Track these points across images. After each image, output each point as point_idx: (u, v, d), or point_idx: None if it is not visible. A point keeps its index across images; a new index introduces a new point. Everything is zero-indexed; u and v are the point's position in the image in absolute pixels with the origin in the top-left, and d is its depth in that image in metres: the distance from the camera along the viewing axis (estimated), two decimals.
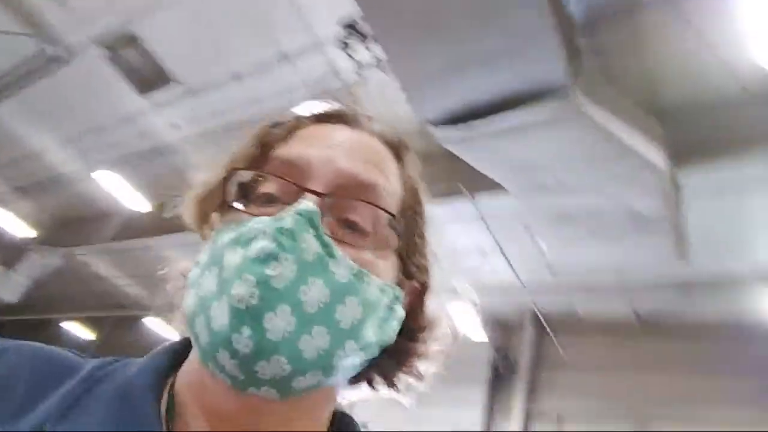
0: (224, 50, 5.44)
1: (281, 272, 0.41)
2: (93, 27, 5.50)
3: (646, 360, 6.86)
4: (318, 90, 5.20)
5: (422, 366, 0.55)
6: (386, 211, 0.49)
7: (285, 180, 0.48)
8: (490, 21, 3.14)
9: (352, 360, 0.45)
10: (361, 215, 0.48)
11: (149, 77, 5.93)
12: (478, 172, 4.29)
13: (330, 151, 0.50)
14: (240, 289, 0.40)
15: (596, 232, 4.59)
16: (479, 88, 3.54)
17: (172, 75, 5.92)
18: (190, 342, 0.47)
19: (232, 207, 0.49)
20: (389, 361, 0.53)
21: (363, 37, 4.45)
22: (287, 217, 0.43)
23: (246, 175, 0.50)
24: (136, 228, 8.26)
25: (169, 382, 0.48)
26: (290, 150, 0.50)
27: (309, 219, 0.44)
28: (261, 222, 0.44)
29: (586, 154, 3.89)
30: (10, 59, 5.91)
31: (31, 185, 8.68)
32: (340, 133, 0.53)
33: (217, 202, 0.52)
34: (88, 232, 8.97)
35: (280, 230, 0.43)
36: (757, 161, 4.15)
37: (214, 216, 0.52)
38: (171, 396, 0.46)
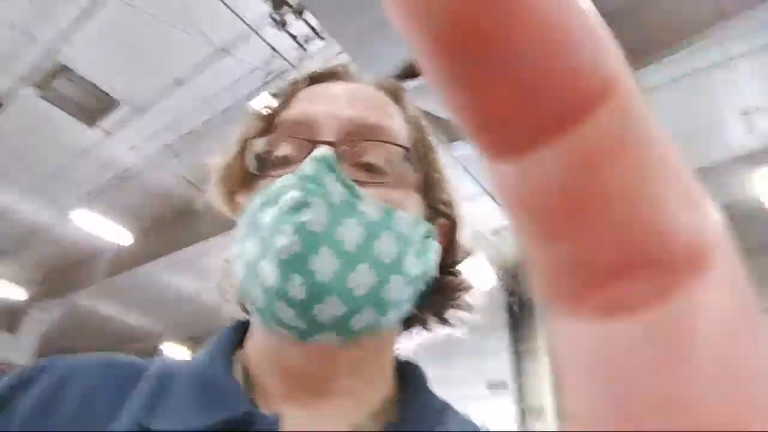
0: (159, 59, 5.28)
1: (314, 216, 0.42)
2: (17, 67, 5.33)
3: None
4: (264, 74, 5.07)
5: (470, 296, 0.56)
6: (398, 145, 0.50)
7: (296, 138, 0.49)
8: None
9: (400, 294, 0.46)
10: (375, 156, 0.49)
11: (92, 106, 5.77)
12: (450, 120, 4.23)
13: (332, 105, 0.51)
14: (281, 241, 0.42)
15: None
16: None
17: (114, 97, 5.76)
18: (242, 324, 0.53)
19: (255, 177, 0.51)
20: (436, 298, 0.54)
21: (293, 8, 4.32)
22: (306, 166, 0.45)
23: (259, 144, 0.51)
24: (127, 259, 8.19)
25: (237, 359, 0.50)
26: (294, 111, 0.52)
27: (327, 163, 0.45)
28: (284, 179, 0.46)
29: None
30: None
31: (10, 244, 8.56)
32: (337, 88, 0.54)
33: (239, 179, 0.53)
34: (81, 276, 8.91)
35: (303, 177, 0.44)
36: (708, 47, 4.10)
37: (240, 195, 0.54)
38: (243, 370, 0.49)
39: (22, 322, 9.37)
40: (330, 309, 0.42)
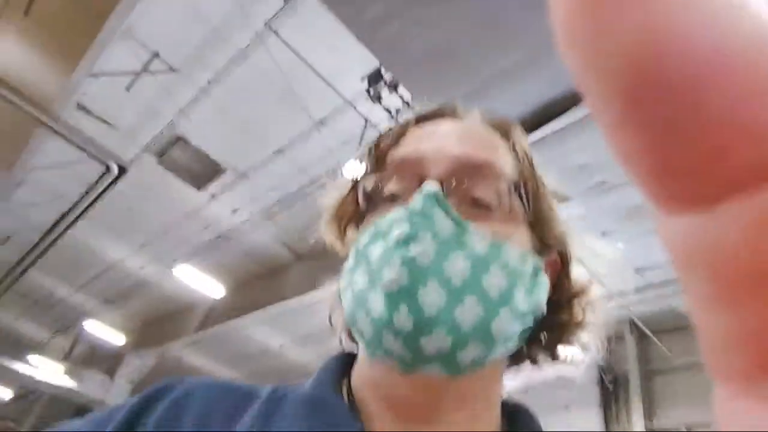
0: (262, 131, 5.74)
1: (423, 249, 0.43)
2: (143, 137, 5.97)
3: None
4: (357, 145, 5.35)
5: (583, 336, 0.55)
6: (505, 180, 0.50)
7: (404, 174, 0.50)
8: (505, 39, 3.16)
9: (508, 329, 0.46)
10: (483, 191, 0.49)
11: (201, 172, 6.32)
12: None
13: (440, 142, 0.52)
14: (390, 274, 0.43)
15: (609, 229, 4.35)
16: (511, 104, 3.53)
17: (221, 165, 6.28)
18: (347, 354, 0.54)
19: (365, 214, 0.52)
20: (548, 336, 0.53)
21: (388, 84, 4.58)
22: (415, 201, 0.46)
23: (369, 182, 0.52)
24: (217, 314, 8.58)
25: (343, 386, 0.51)
26: (403, 149, 0.53)
27: (435, 198, 0.46)
28: (395, 213, 0.47)
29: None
30: (74, 184, 6.46)
31: (117, 294, 9.26)
32: (445, 126, 0.55)
33: (349, 216, 0.56)
34: (175, 327, 9.38)
35: (412, 212, 0.45)
36: None
37: (350, 230, 0.56)
38: (350, 397, 0.49)
39: (120, 366, 9.90)
40: (436, 341, 0.42)
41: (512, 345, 0.49)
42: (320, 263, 7.17)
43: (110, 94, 5.58)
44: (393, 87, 4.66)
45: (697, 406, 6.52)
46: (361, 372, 0.51)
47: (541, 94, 3.41)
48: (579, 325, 0.54)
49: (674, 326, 6.94)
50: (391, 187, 0.51)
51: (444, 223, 0.45)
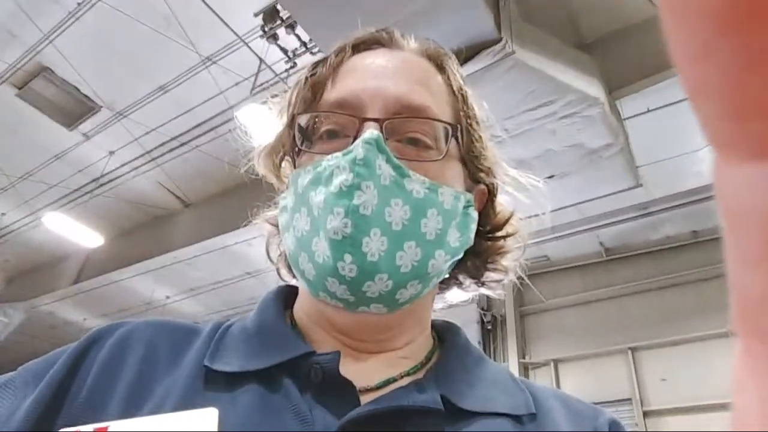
0: (142, 64, 5.23)
1: (365, 199, 0.45)
2: None
3: (621, 288, 7.12)
4: (250, 86, 5.06)
5: (506, 260, 0.59)
6: (443, 122, 0.51)
7: (344, 114, 0.50)
8: None
9: (442, 266, 0.50)
10: (421, 131, 0.50)
11: (72, 108, 5.66)
12: None
13: (376, 81, 0.51)
14: (334, 223, 0.44)
15: (552, 173, 4.66)
16: None
17: (95, 101, 5.66)
18: (286, 287, 0.57)
19: (301, 150, 0.53)
20: (474, 261, 0.57)
21: (284, 22, 4.34)
22: (357, 148, 0.46)
23: (305, 118, 0.53)
24: (95, 265, 7.98)
25: (286, 316, 0.54)
26: (340, 87, 0.52)
27: (377, 145, 0.46)
28: (335, 158, 0.47)
29: (526, 99, 3.92)
30: None
31: None
32: (381, 59, 0.54)
33: (285, 150, 0.56)
34: (47, 280, 8.63)
35: (354, 161, 0.46)
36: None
37: (286, 164, 0.57)
38: (293, 325, 0.53)
39: None
40: (378, 286, 0.46)
41: (443, 276, 0.53)
42: (211, 211, 6.86)
43: None
44: (290, 27, 4.42)
45: (562, 344, 7.29)
46: (303, 304, 0.54)
47: (443, 43, 3.40)
48: (502, 252, 0.59)
49: (545, 271, 7.62)
50: (328, 124, 0.51)
51: (385, 170, 0.46)
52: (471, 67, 3.47)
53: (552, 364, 7.33)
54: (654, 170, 5.26)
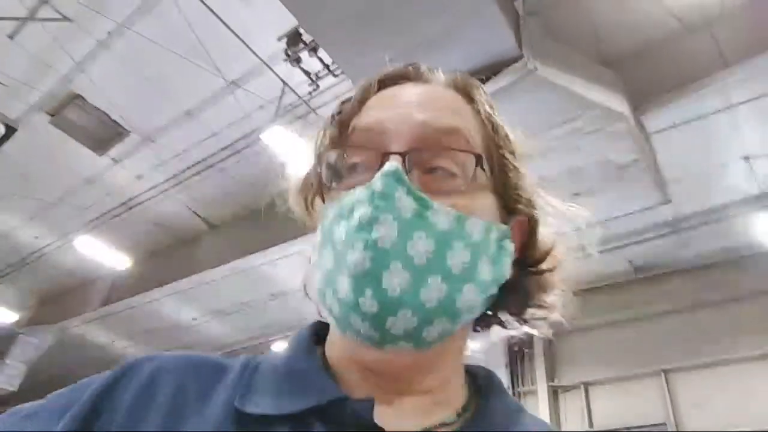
0: (169, 90, 5.37)
1: (384, 232, 0.44)
2: (32, 94, 5.38)
3: (651, 306, 6.91)
4: (275, 109, 5.14)
5: (549, 297, 0.56)
6: (469, 151, 0.49)
7: (365, 148, 0.50)
8: (428, 5, 3.13)
9: (473, 302, 0.47)
10: (447, 161, 0.49)
11: (101, 134, 5.82)
12: None
13: (402, 109, 0.51)
14: (353, 257, 0.43)
15: (578, 190, 4.60)
16: None
17: (124, 126, 5.82)
18: (320, 323, 0.55)
19: (330, 186, 0.52)
20: (515, 298, 0.54)
21: (307, 46, 4.42)
22: (376, 181, 0.45)
23: (332, 155, 0.52)
24: (123, 287, 8.11)
25: (318, 354, 0.52)
26: (365, 118, 0.52)
27: (396, 177, 0.45)
28: (354, 192, 0.47)
29: (550, 115, 3.89)
30: None
31: (7, 267, 8.48)
32: (408, 91, 0.54)
33: (315, 189, 0.56)
34: (76, 302, 8.79)
35: (373, 194, 0.45)
36: (710, 93, 4.21)
37: (318, 202, 0.56)
38: (325, 364, 0.51)
39: (12, 347, 9.17)
40: (402, 322, 0.44)
41: (477, 312, 0.50)
42: (236, 233, 6.93)
43: None
44: (313, 50, 4.50)
45: (593, 366, 7.09)
46: (334, 341, 0.52)
47: (465, 63, 3.42)
48: (544, 287, 0.56)
49: (576, 293, 7.42)
50: (354, 158, 0.51)
51: (406, 202, 0.45)
52: (493, 85, 3.47)
53: (582, 387, 7.12)
54: (682, 186, 5.14)
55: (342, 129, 0.54)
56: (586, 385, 7.09)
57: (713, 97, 4.30)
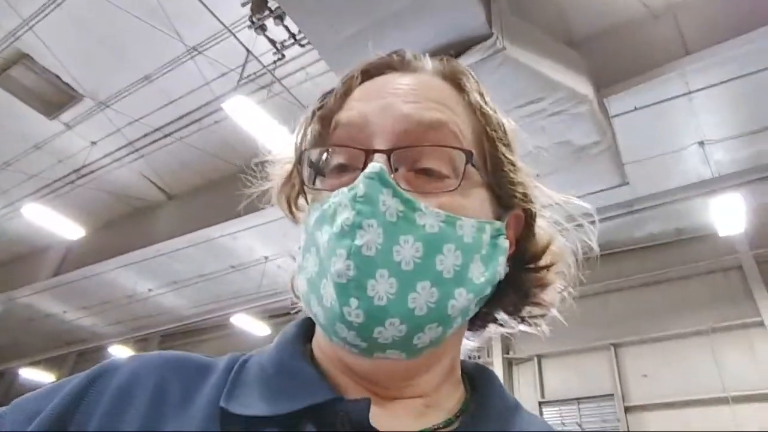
0: (126, 53, 5.11)
1: (369, 239, 0.41)
2: None
3: (605, 284, 7.18)
4: (237, 77, 4.98)
5: (547, 293, 0.54)
6: (457, 148, 0.46)
7: (350, 141, 0.47)
8: None
9: (465, 305, 0.45)
10: (435, 158, 0.46)
11: (53, 97, 5.52)
12: None
13: (385, 101, 0.48)
14: (337, 265, 0.41)
15: (539, 171, 4.66)
16: (400, 47, 3.47)
17: (77, 90, 5.53)
18: (308, 320, 0.52)
19: (313, 185, 0.50)
20: (512, 296, 0.52)
21: (273, 13, 4.27)
22: (359, 184, 0.43)
23: (314, 154, 0.50)
24: (77, 257, 7.84)
25: (306, 352, 0.50)
26: (347, 113, 0.49)
27: (380, 179, 0.43)
28: (337, 195, 0.44)
29: (516, 95, 3.90)
30: None
31: None
32: (393, 81, 0.51)
33: (298, 189, 0.53)
34: (26, 271, 8.47)
35: (354, 198, 0.42)
36: (669, 77, 4.32)
37: (301, 200, 0.53)
38: (313, 363, 0.48)
39: None
40: (390, 331, 0.41)
41: (471, 313, 0.48)
42: (195, 204, 6.77)
43: None
44: (279, 17, 4.35)
45: (545, 339, 7.32)
46: (321, 344, 0.50)
47: (431, 40, 3.37)
48: (542, 284, 0.54)
49: None
50: (338, 156, 0.48)
51: (391, 204, 0.42)
52: (461, 62, 3.44)
53: (535, 359, 7.40)
54: (640, 168, 5.30)
55: (324, 124, 0.51)
56: (539, 358, 7.36)
57: (673, 82, 4.41)
